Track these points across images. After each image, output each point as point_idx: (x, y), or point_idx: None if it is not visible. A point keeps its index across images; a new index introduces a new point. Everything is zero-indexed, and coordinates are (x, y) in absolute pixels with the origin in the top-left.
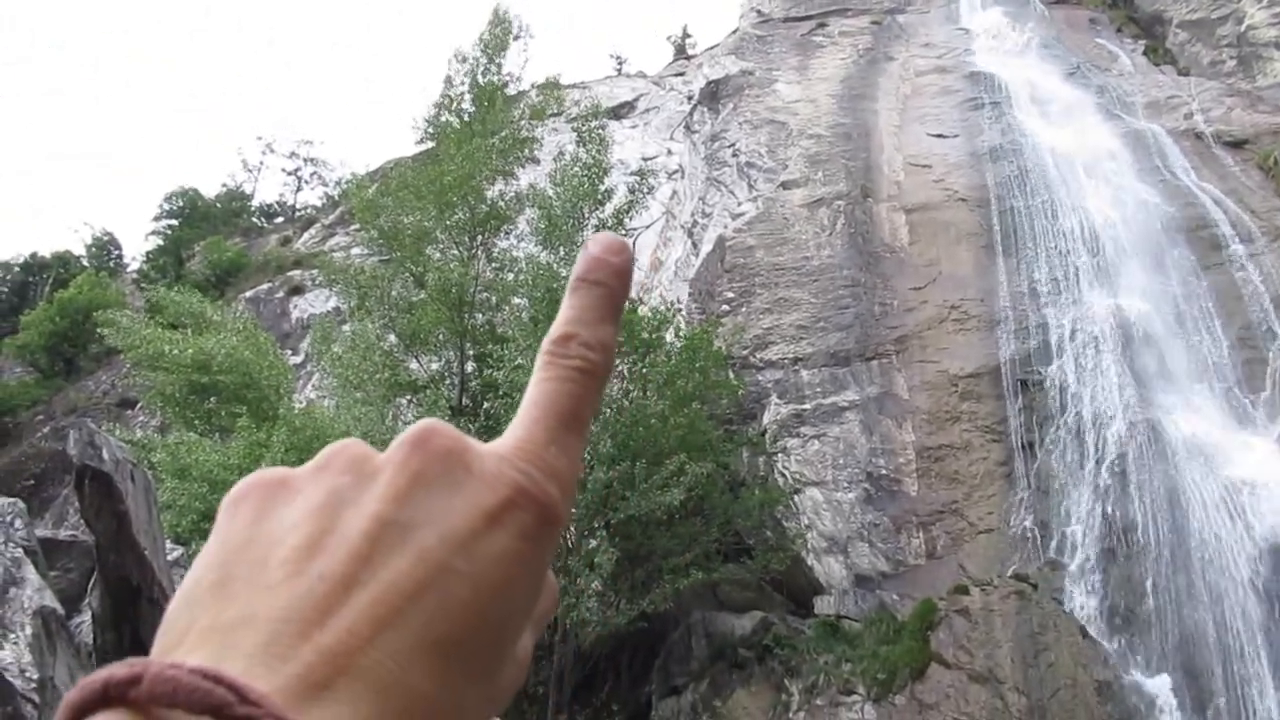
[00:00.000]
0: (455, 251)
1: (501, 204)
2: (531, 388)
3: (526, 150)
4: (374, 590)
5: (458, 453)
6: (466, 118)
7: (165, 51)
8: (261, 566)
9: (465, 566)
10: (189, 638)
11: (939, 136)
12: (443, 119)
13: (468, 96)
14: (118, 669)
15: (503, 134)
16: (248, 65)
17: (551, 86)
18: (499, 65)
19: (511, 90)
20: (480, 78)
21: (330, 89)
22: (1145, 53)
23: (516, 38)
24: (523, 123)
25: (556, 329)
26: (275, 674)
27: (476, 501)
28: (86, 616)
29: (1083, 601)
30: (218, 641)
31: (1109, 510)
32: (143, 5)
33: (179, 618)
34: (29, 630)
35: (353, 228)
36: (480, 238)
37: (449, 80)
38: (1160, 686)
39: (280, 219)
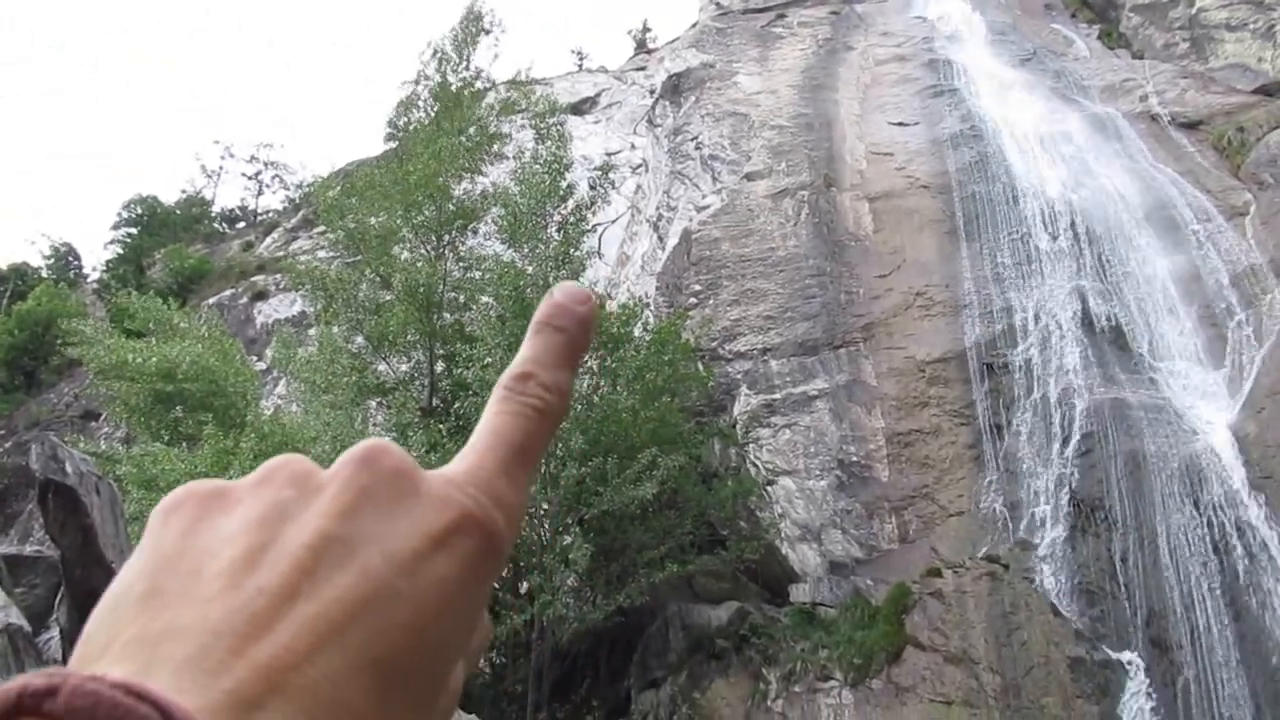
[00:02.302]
0: (423, 251)
1: (468, 202)
2: (486, 419)
3: (495, 146)
4: (315, 606)
5: (405, 473)
6: (434, 114)
7: (119, 59)
8: (195, 578)
9: (407, 587)
10: (112, 648)
11: (900, 125)
12: (410, 117)
13: (436, 93)
14: (34, 678)
15: (471, 130)
16: (205, 70)
17: (522, 82)
18: (469, 61)
19: (480, 86)
20: (450, 74)
21: (290, 91)
22: (1100, 37)
23: (488, 32)
24: (491, 119)
25: (516, 366)
26: (204, 690)
27: (422, 523)
28: (55, 632)
29: (1053, 580)
30: (145, 654)
31: (1076, 489)
32: (93, 13)
33: (101, 628)
34: None
35: (316, 231)
36: (447, 237)
37: (419, 76)
38: (1130, 662)
39: (242, 224)
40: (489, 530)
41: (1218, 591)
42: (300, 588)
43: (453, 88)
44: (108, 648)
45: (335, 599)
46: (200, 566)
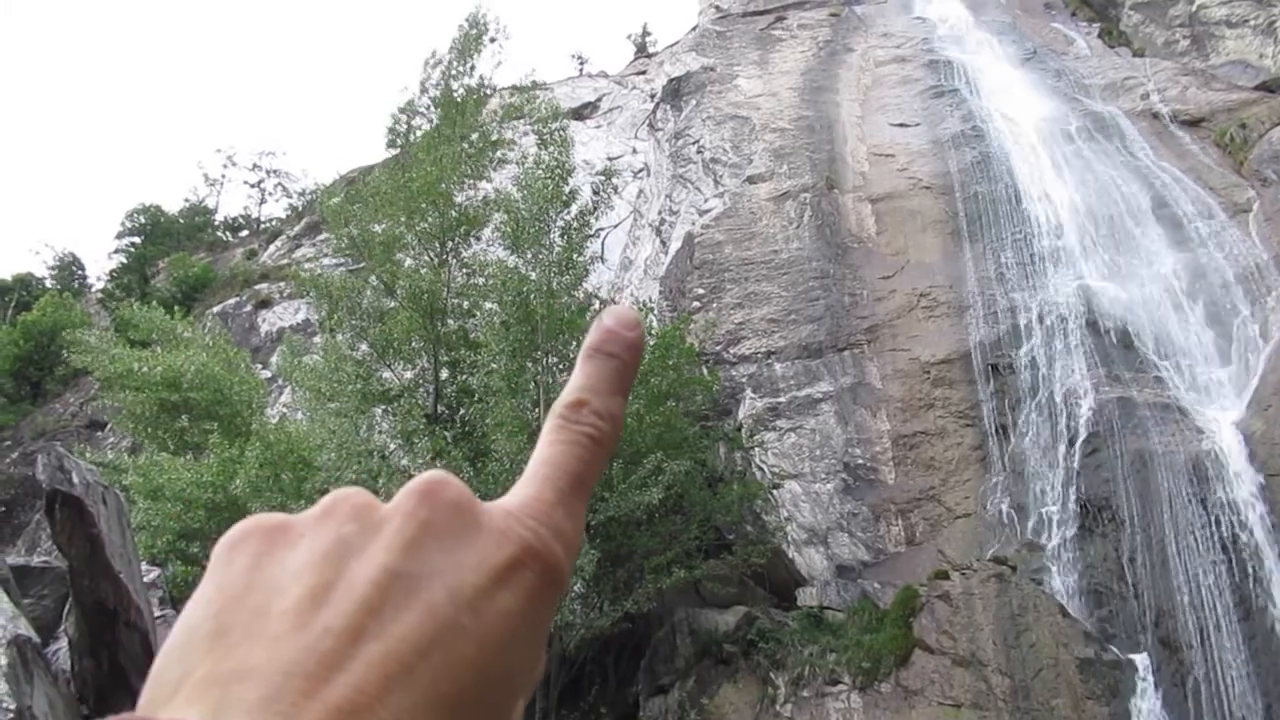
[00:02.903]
0: (426, 258)
1: (471, 209)
2: (541, 448)
3: (498, 153)
4: (383, 645)
5: (465, 506)
6: (436, 121)
7: (120, 68)
8: (263, 616)
9: (472, 623)
10: (184, 689)
11: (901, 126)
12: (412, 124)
13: (438, 100)
14: None
15: (474, 137)
16: (207, 78)
17: (527, 88)
18: (472, 68)
19: (483, 92)
20: (452, 81)
21: (293, 98)
22: (1100, 35)
23: (492, 39)
24: (494, 125)
25: (569, 394)
26: None
27: (485, 557)
28: (63, 643)
29: (1061, 581)
30: (217, 694)
31: (1082, 490)
32: (96, 22)
33: (171, 667)
34: (4, 660)
35: (319, 238)
36: (451, 243)
37: (423, 85)
38: (1140, 663)
39: (245, 232)
40: (549, 563)
41: (1226, 591)
42: (367, 627)
43: (455, 95)
44: (179, 688)
45: (402, 638)
46: (267, 604)
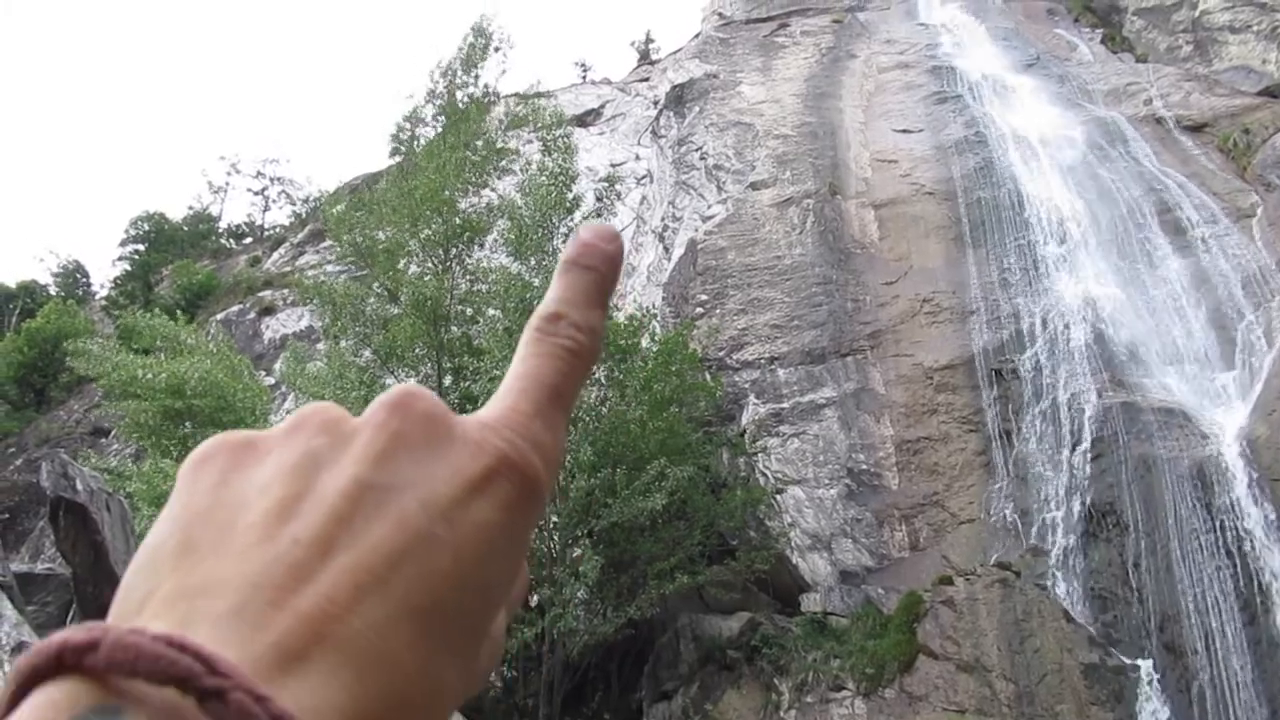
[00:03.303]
0: (430, 264)
1: (474, 216)
2: (517, 362)
3: (503, 160)
4: (354, 555)
5: (439, 417)
6: (440, 129)
7: (124, 75)
8: (229, 530)
9: (447, 534)
10: (150, 604)
11: (904, 132)
12: (416, 131)
13: (443, 108)
14: (74, 633)
15: (478, 145)
16: (211, 86)
17: (529, 96)
18: (477, 77)
19: (487, 101)
20: (457, 90)
21: (296, 106)
22: (1103, 41)
23: (496, 49)
24: (498, 134)
25: (546, 307)
26: (246, 642)
27: (459, 467)
28: None
29: (1066, 586)
30: (183, 608)
31: (1086, 495)
32: (100, 29)
33: (138, 583)
34: (7, 667)
35: (323, 245)
36: (454, 250)
37: (428, 94)
38: (1144, 669)
39: (249, 239)
40: (527, 474)
41: (1231, 596)
42: (338, 537)
43: (460, 103)
44: (145, 603)
45: (373, 548)
46: (234, 518)
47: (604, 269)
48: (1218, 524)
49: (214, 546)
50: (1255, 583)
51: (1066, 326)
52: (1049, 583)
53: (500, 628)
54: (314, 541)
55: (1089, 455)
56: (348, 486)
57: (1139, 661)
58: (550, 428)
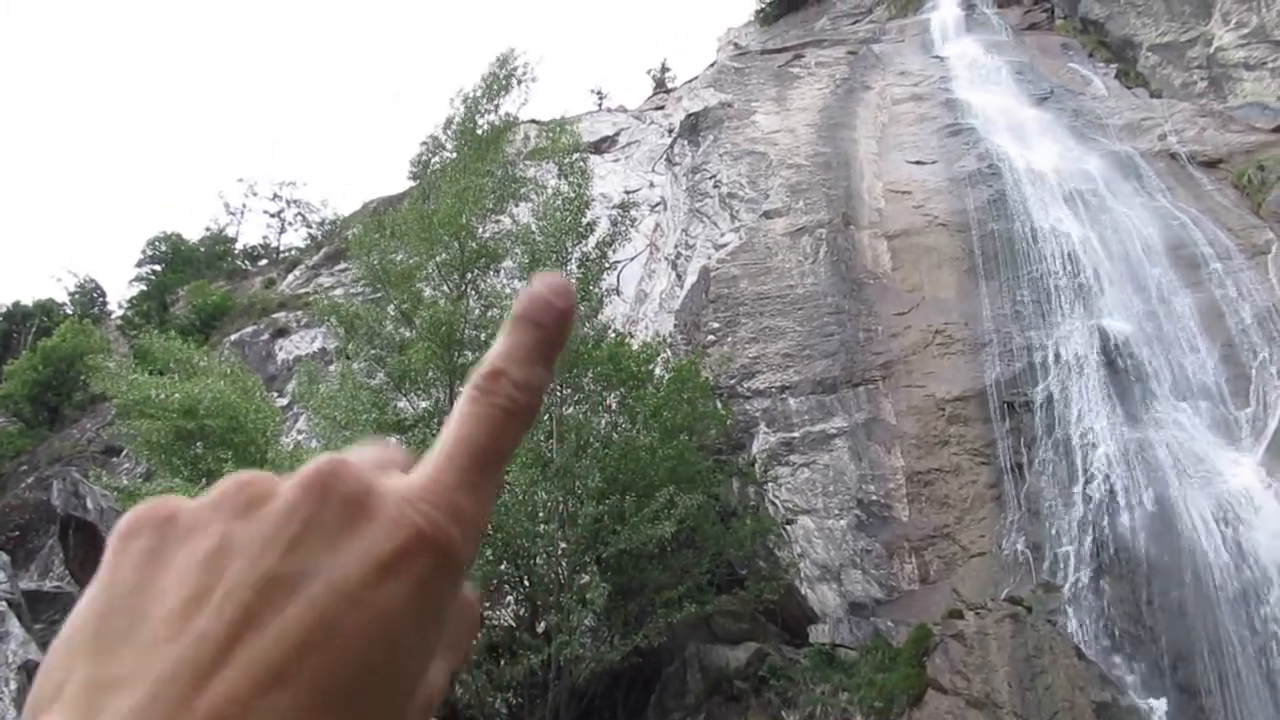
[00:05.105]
0: (445, 289)
1: (492, 242)
2: (453, 422)
3: (522, 189)
4: (257, 650)
5: (357, 497)
6: (461, 155)
7: (145, 97)
8: (143, 621)
9: (355, 618)
10: (65, 692)
11: (918, 163)
12: (437, 158)
13: (462, 135)
14: None
15: (497, 174)
16: (230, 109)
17: (548, 124)
18: (497, 105)
19: (508, 129)
20: (478, 117)
21: (315, 130)
22: (1118, 76)
23: (519, 81)
24: (518, 163)
25: (486, 363)
26: None
27: (372, 547)
28: None
29: (1078, 622)
30: (92, 702)
31: (1100, 530)
32: (121, 50)
33: (58, 663)
34: (14, 685)
35: (338, 268)
36: (470, 275)
37: (447, 121)
38: (1158, 708)
39: (264, 261)
40: (442, 547)
41: (1246, 636)
42: (242, 632)
43: (479, 131)
44: (59, 692)
45: (276, 639)
46: (149, 607)
47: (552, 326)
48: (1232, 562)
49: (126, 636)
50: (1270, 623)
51: (1079, 360)
52: (1061, 619)
53: (437, 679)
54: (220, 637)
55: (1101, 490)
56: (256, 579)
57: (1152, 701)
58: (475, 496)
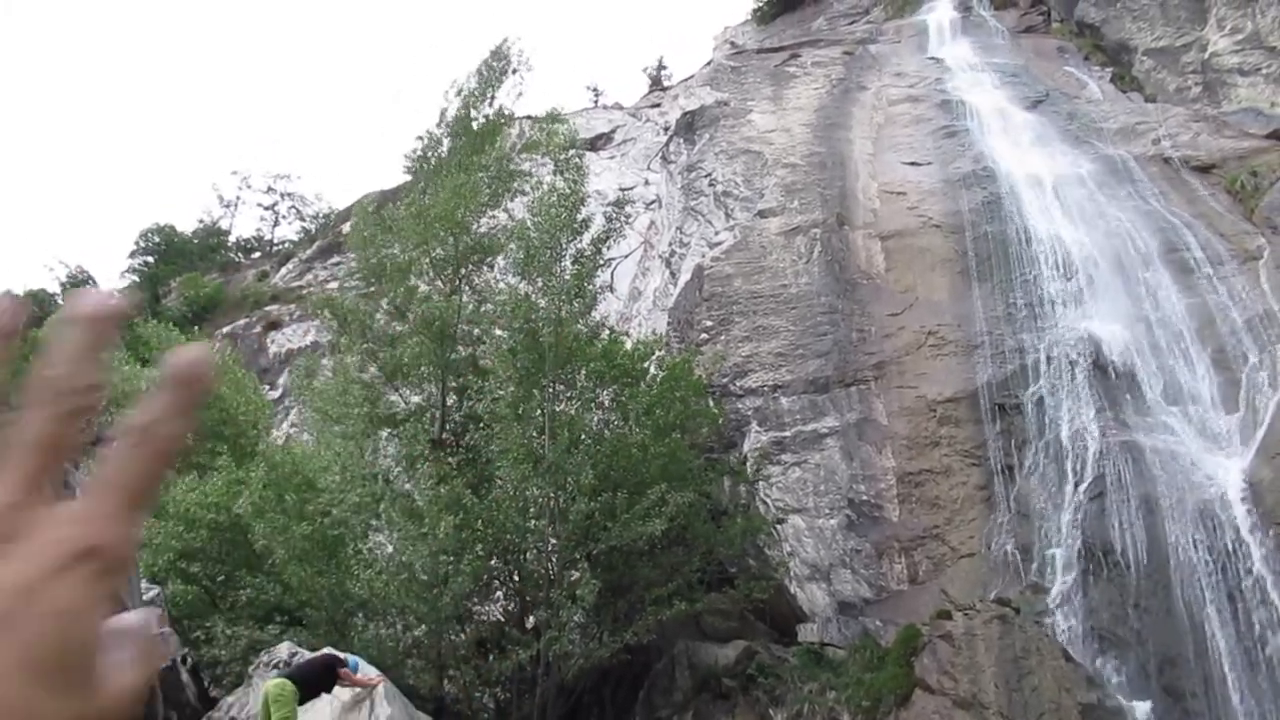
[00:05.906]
0: (439, 283)
1: (487, 238)
2: (112, 460)
3: (516, 184)
4: None
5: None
6: (456, 149)
7: (138, 88)
8: None
9: (36, 609)
10: None
11: (913, 164)
12: (432, 152)
13: (457, 129)
14: None
15: (492, 169)
16: (223, 100)
17: (544, 119)
18: (492, 98)
19: (502, 123)
20: (473, 109)
21: (309, 122)
22: (1113, 80)
23: (514, 71)
24: (513, 157)
25: (134, 418)
26: None
27: (40, 557)
28: None
29: (1065, 624)
30: None
31: (1088, 533)
32: (114, 41)
33: None
34: None
35: (331, 261)
36: (464, 270)
37: (442, 114)
38: (1143, 710)
39: (257, 254)
40: (109, 554)
41: (1232, 639)
42: None
43: (474, 124)
44: None
45: None
46: None
47: (197, 391)
48: (1219, 566)
49: None
50: (1256, 627)
51: (1071, 363)
52: (1048, 620)
53: (122, 681)
54: None
55: (1091, 493)
56: None
57: (1137, 703)
58: (132, 516)
